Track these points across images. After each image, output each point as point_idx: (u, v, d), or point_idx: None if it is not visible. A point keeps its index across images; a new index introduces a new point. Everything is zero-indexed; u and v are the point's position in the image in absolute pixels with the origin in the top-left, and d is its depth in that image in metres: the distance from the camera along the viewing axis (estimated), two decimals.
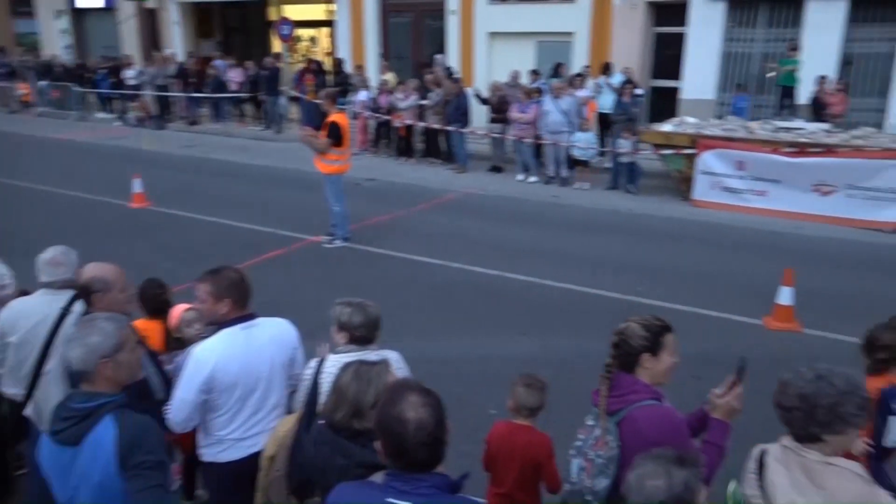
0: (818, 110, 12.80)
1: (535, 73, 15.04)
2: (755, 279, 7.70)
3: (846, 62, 14.27)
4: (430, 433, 1.96)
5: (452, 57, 17.95)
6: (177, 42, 22.42)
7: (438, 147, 14.73)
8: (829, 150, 10.45)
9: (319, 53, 22.11)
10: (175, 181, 12.56)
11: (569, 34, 16.63)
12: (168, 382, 3.36)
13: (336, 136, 8.66)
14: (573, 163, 12.84)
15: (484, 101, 14.22)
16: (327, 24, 20.94)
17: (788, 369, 2.26)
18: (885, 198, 9.99)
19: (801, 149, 10.54)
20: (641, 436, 2.41)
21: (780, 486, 2.17)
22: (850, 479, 2.11)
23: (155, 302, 4.06)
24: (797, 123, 11.78)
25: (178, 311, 3.95)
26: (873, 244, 9.45)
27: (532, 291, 7.59)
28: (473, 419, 4.30)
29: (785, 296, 6.64)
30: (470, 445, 3.47)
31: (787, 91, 13.79)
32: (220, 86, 18.48)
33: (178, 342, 3.86)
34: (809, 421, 2.15)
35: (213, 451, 3.20)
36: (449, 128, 13.90)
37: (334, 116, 8.82)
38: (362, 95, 15.54)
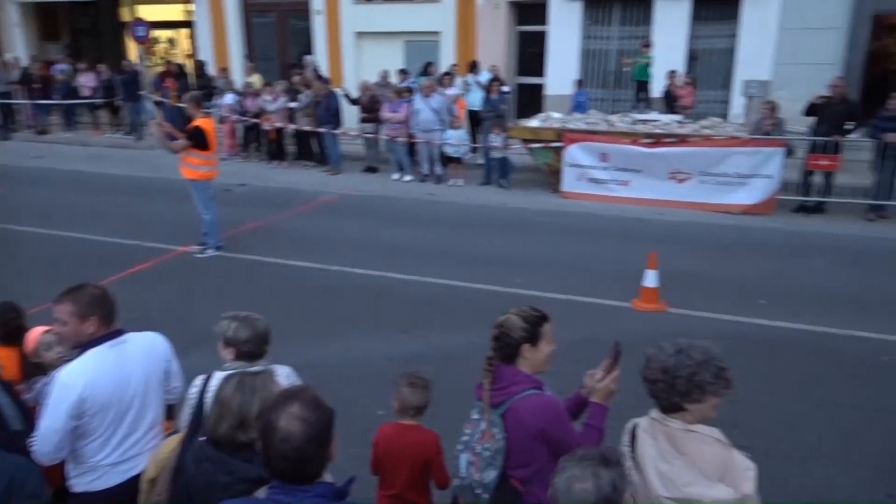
0: (670, 103, 13.67)
1: (403, 73, 15.10)
2: (623, 264, 8.11)
3: (692, 58, 15.31)
4: (296, 448, 1.90)
5: (320, 57, 17.72)
6: (19, 45, 20.77)
7: (311, 149, 14.49)
8: (681, 139, 11.17)
9: (179, 56, 21.16)
10: (24, 195, 11.64)
11: (435, 34, 16.83)
12: (27, 412, 3.11)
13: (201, 141, 8.33)
14: (446, 160, 13.01)
15: (354, 102, 14.13)
16: (186, 24, 20.07)
17: (652, 345, 2.40)
18: (732, 182, 10.81)
19: (658, 139, 11.21)
20: (525, 426, 2.49)
21: (649, 455, 2.30)
22: (709, 444, 2.27)
23: (8, 327, 3.74)
24: (652, 116, 12.52)
25: (34, 334, 3.66)
26: (725, 226, 10.20)
27: (412, 289, 7.63)
28: (360, 421, 4.27)
29: (650, 278, 7.03)
30: (358, 448, 3.45)
31: (642, 85, 14.61)
32: (71, 91, 17.29)
33: (37, 368, 3.58)
34: (671, 392, 2.29)
35: (86, 480, 2.99)
36: (320, 129, 13.71)
37: (199, 121, 8.48)
38: (228, 98, 15.02)
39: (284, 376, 2.99)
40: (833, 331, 6.50)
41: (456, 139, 12.76)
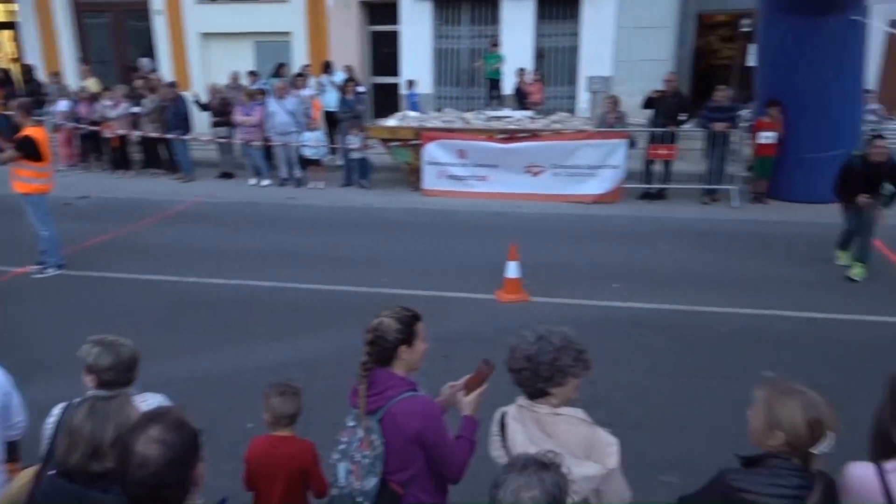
0: (521, 99, 14.19)
1: (253, 74, 14.68)
2: (485, 258, 8.32)
3: (540, 55, 15.97)
4: (154, 473, 1.80)
5: (164, 60, 16.88)
6: None
7: (159, 156, 13.76)
8: (534, 134, 11.62)
9: (3, 60, 19.41)
10: None
11: (286, 34, 16.50)
12: None
13: (33, 151, 7.69)
14: (305, 163, 12.79)
15: (204, 107, 13.56)
16: (9, 26, 18.46)
17: (515, 335, 2.48)
18: (583, 173, 11.38)
19: (512, 135, 11.59)
20: (403, 429, 2.48)
21: (519, 441, 2.38)
22: (575, 424, 2.39)
23: None
24: (505, 112, 12.94)
25: None
26: (578, 215, 10.72)
27: (278, 296, 7.44)
28: (231, 436, 4.12)
29: (512, 270, 7.26)
30: (231, 463, 3.32)
31: (494, 83, 15.07)
32: None
33: None
34: (536, 378, 2.39)
35: None
36: (169, 135, 13.05)
37: (29, 130, 7.81)
38: (62, 105, 13.95)
39: (155, 405, 2.82)
40: (679, 307, 7.00)
41: (313, 141, 12.57)
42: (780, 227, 9.88)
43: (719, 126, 10.91)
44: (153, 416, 1.92)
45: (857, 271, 7.75)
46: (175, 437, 1.85)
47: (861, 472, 2.18)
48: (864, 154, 7.67)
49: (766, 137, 10.68)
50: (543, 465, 1.92)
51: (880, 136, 7.74)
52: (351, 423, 2.64)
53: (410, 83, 15.14)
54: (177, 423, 1.89)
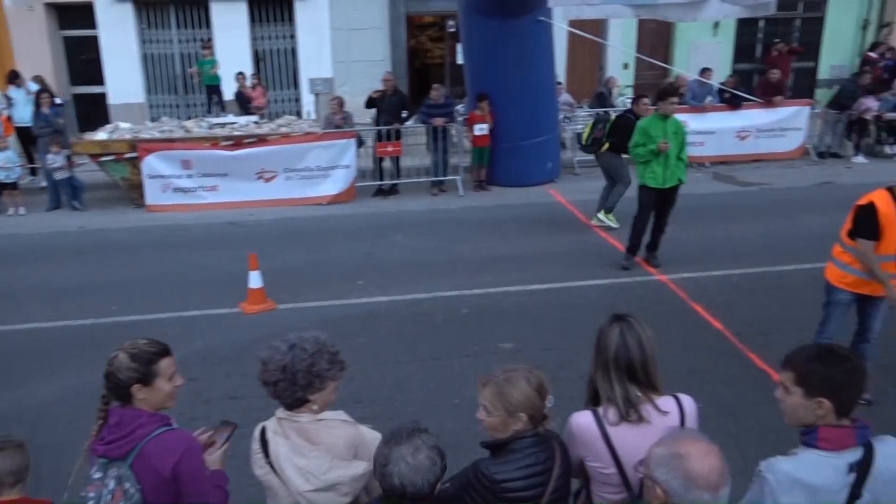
0: (244, 104, 13.76)
1: None
2: (225, 271, 7.99)
3: (258, 59, 15.64)
4: None
5: None
6: None
7: None
8: (261, 139, 11.36)
9: None
10: None
11: None
12: None
13: None
14: None
15: None
16: None
17: (265, 347, 2.42)
18: (315, 175, 11.39)
19: (238, 141, 11.22)
20: (159, 470, 2.26)
21: (283, 455, 2.34)
22: (338, 427, 2.40)
23: None
24: (229, 118, 12.48)
25: None
26: (316, 217, 10.71)
27: None
28: None
29: (254, 279, 7.05)
30: None
31: (214, 89, 14.44)
32: None
33: None
34: (294, 387, 2.35)
35: None
36: None
37: None
38: None
39: None
40: (422, 295, 7.34)
41: (4, 162, 11.02)
42: (501, 210, 10.78)
43: (438, 121, 11.59)
44: None
45: (611, 218, 9.40)
46: None
47: (581, 420, 2.46)
48: (634, 110, 9.14)
49: (480, 129, 11.58)
50: (415, 430, 2.11)
51: (644, 96, 9.39)
52: (97, 475, 2.34)
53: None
54: None
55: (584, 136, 9.85)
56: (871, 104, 13.12)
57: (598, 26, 15.38)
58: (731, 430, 4.61)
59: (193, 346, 6.07)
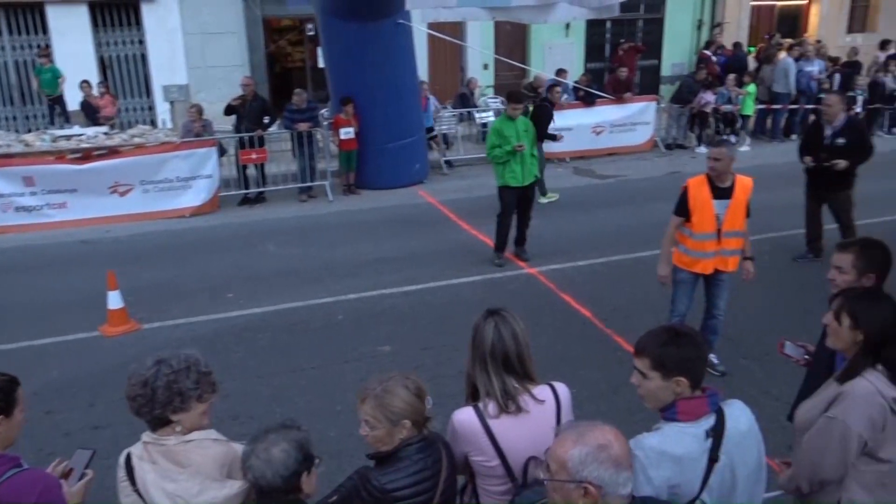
0: (91, 115, 12.92)
1: None
2: (80, 293, 7.48)
3: (105, 66, 14.73)
4: None
5: None
6: None
7: None
8: (113, 151, 10.70)
9: None
10: None
11: None
12: None
13: None
14: None
15: None
16: None
17: (136, 363, 2.31)
18: (176, 187, 10.86)
19: (87, 154, 10.51)
20: None
21: (151, 480, 2.22)
22: (208, 447, 2.29)
23: None
24: (75, 130, 11.65)
25: None
26: (178, 230, 10.23)
27: None
28: None
29: (114, 300, 6.63)
30: None
31: (56, 99, 13.48)
32: None
33: None
34: (153, 404, 2.23)
35: None
36: None
37: None
38: None
39: None
40: (296, 304, 7.20)
41: None
42: (371, 213, 10.75)
43: (302, 126, 11.39)
44: None
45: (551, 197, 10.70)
46: None
47: (463, 417, 2.50)
48: (549, 98, 10.63)
49: (346, 133, 11.49)
50: (283, 426, 2.13)
51: (558, 85, 10.80)
52: None
53: None
54: None
55: None
56: (708, 98, 14.22)
57: (458, 28, 15.69)
58: (603, 411, 4.84)
59: (49, 377, 5.65)
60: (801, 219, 8.06)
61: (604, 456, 1.83)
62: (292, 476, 2.08)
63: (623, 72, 14.17)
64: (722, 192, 5.12)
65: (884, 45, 16.80)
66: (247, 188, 11.64)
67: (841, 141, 7.44)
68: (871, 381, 2.49)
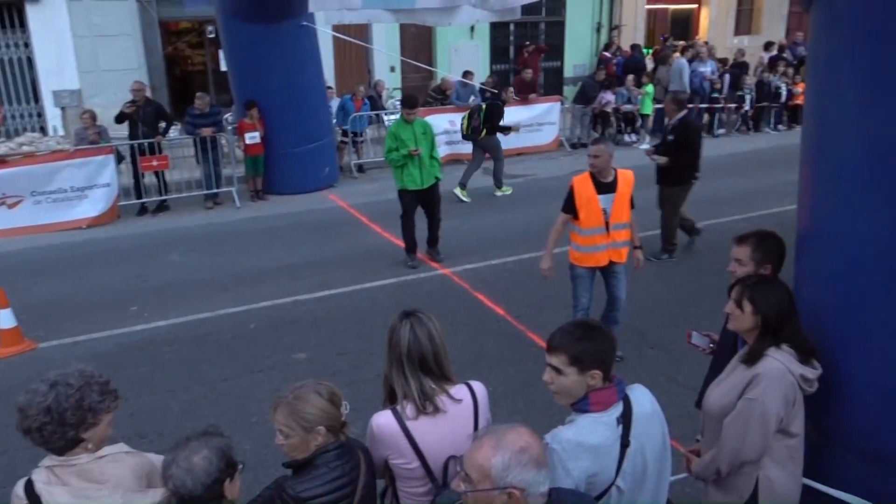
0: None
1: None
2: None
3: None
4: None
5: None
6: None
7: None
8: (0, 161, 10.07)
9: None
10: None
11: None
12: None
13: None
14: None
15: None
16: None
17: (23, 392, 2.16)
18: (70, 197, 10.31)
19: None
20: None
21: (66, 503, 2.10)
22: (122, 459, 2.21)
23: None
24: None
25: None
26: (75, 242, 9.70)
27: None
28: None
29: (5, 319, 6.24)
30: None
31: None
32: None
33: None
34: (64, 428, 2.12)
35: None
36: None
37: None
38: None
39: None
40: (205, 315, 6.97)
41: None
42: (281, 219, 10.53)
43: (205, 131, 11.03)
44: None
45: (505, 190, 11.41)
46: None
47: (381, 420, 2.48)
48: (501, 97, 11.67)
49: (252, 137, 11.22)
50: (205, 433, 2.12)
51: (509, 85, 11.88)
52: None
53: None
54: None
55: (463, 127, 11.33)
56: (609, 98, 14.70)
57: (363, 30, 15.59)
58: (519, 406, 4.93)
59: None
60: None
61: (525, 458, 1.84)
62: (214, 483, 2.04)
63: (528, 73, 14.45)
64: (605, 187, 5.34)
65: (767, 46, 17.87)
66: (147, 197, 11.16)
67: (671, 138, 7.98)
68: (780, 361, 2.64)
